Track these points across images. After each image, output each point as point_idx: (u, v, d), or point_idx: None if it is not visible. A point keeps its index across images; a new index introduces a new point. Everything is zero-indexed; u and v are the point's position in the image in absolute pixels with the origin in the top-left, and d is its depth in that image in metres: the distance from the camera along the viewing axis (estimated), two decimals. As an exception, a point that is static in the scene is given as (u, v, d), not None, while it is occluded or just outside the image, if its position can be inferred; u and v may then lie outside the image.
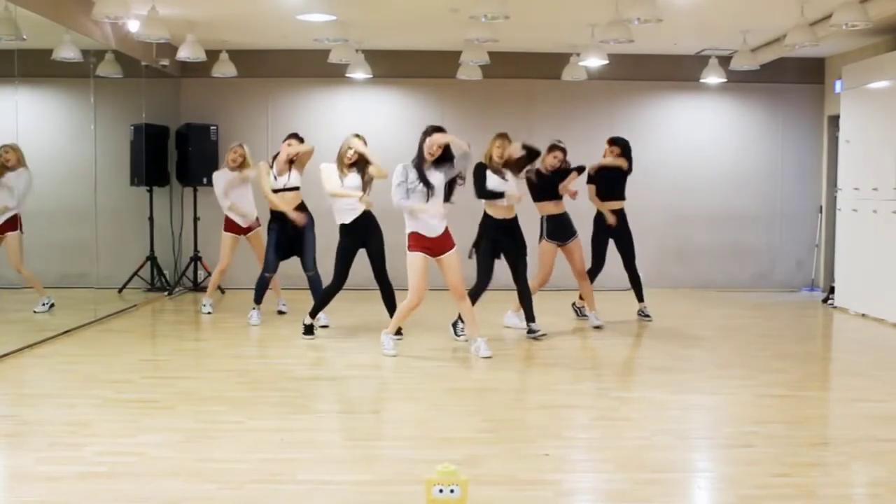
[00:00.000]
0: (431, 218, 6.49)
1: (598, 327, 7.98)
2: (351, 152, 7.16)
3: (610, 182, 8.29)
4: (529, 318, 7.39)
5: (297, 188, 7.80)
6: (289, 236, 7.81)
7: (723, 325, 8.44)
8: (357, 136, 7.24)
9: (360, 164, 7.16)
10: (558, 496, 3.87)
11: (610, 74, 10.28)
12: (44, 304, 8.13)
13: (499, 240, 7.25)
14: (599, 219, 8.36)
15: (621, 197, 8.34)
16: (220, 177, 8.51)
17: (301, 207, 7.83)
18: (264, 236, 8.14)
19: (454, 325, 7.31)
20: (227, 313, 8.74)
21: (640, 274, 8.49)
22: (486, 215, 7.33)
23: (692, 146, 10.86)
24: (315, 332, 7.43)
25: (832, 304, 9.56)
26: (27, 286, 8.12)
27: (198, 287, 10.31)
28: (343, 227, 7.21)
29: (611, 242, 8.37)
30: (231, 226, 8.54)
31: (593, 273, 8.27)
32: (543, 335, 7.35)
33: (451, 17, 8.15)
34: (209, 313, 8.63)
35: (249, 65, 10.23)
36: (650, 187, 10.22)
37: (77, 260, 8.78)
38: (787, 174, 10.92)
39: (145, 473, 4.04)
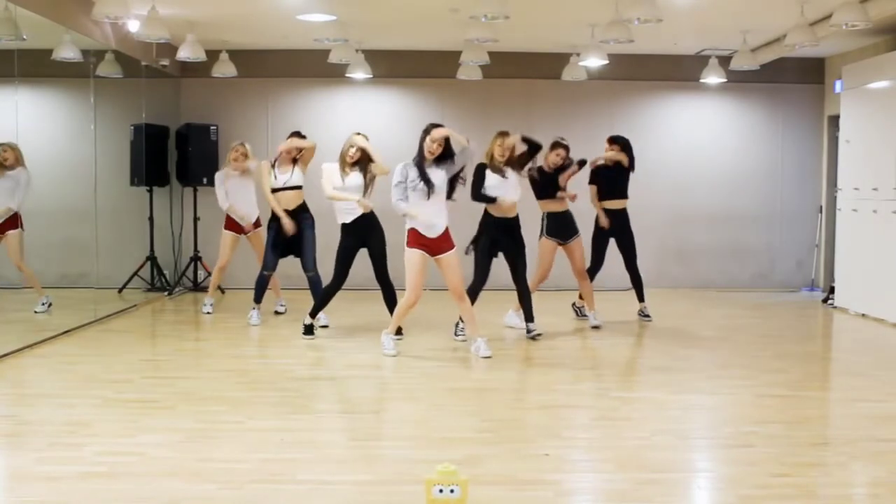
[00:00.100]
0: (431, 217, 6.49)
1: (596, 327, 7.98)
2: (353, 150, 7.16)
3: (611, 181, 8.29)
4: (528, 318, 7.39)
5: (298, 187, 7.78)
6: (288, 235, 7.81)
7: (723, 325, 8.44)
8: (359, 134, 7.26)
9: (363, 162, 7.17)
10: (558, 496, 3.87)
11: (610, 74, 10.28)
12: (43, 304, 8.13)
13: (498, 238, 7.24)
14: (603, 215, 8.36)
15: (623, 196, 8.33)
16: (221, 178, 8.52)
17: (302, 207, 7.83)
18: (265, 236, 8.13)
19: (457, 325, 7.30)
20: (227, 313, 8.74)
21: (641, 274, 8.49)
22: (486, 213, 7.33)
23: (692, 146, 10.86)
24: (315, 332, 7.43)
25: (832, 304, 9.56)
26: (27, 286, 8.12)
27: (198, 287, 10.31)
28: (344, 226, 7.22)
29: (612, 242, 8.37)
30: (232, 224, 8.54)
31: (592, 272, 8.27)
32: (539, 335, 7.35)
33: (451, 17, 8.15)
34: (208, 313, 8.62)
35: (249, 65, 10.24)
36: (650, 187, 10.22)
37: (77, 260, 8.78)
38: (787, 174, 10.92)
39: (145, 473, 4.04)
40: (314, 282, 7.75)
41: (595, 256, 8.32)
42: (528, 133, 7.43)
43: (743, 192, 10.91)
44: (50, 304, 8.17)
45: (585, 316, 8.25)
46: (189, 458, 4.28)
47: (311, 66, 10.23)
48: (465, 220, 7.34)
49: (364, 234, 7.19)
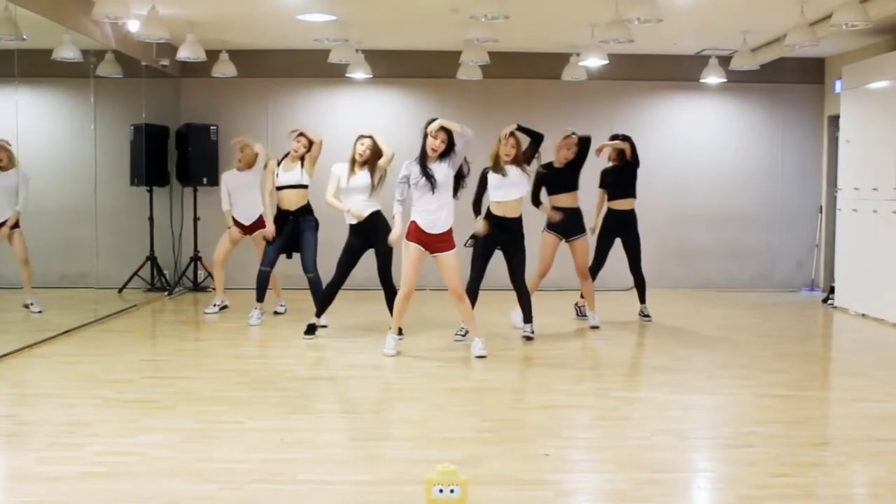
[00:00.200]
0: (433, 213, 6.48)
1: (595, 327, 7.98)
2: (362, 148, 7.16)
3: (618, 181, 8.31)
4: (526, 318, 7.38)
5: (302, 186, 7.77)
6: (289, 234, 7.82)
7: (723, 325, 8.44)
8: (365, 136, 7.26)
9: (371, 162, 7.16)
10: (558, 496, 3.87)
11: (610, 74, 10.29)
12: (31, 303, 8.12)
13: (498, 237, 7.23)
14: (609, 217, 8.37)
15: (631, 195, 8.34)
16: (224, 179, 8.53)
17: (305, 209, 7.82)
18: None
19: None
20: (227, 313, 8.72)
21: (644, 276, 8.50)
22: (488, 210, 7.31)
23: (692, 146, 10.86)
24: (316, 332, 7.43)
25: (832, 304, 9.56)
26: (23, 285, 8.11)
27: (198, 287, 10.31)
28: (350, 227, 7.25)
29: (617, 242, 8.38)
30: (236, 222, 8.54)
31: (593, 271, 8.27)
32: (530, 338, 7.30)
33: (451, 17, 8.15)
34: (207, 314, 8.61)
35: (249, 65, 10.24)
36: (650, 187, 10.19)
37: (77, 260, 8.78)
38: (787, 174, 10.92)
39: (145, 473, 4.04)
40: (314, 283, 7.75)
41: (597, 255, 8.32)
42: (529, 128, 7.38)
43: (743, 192, 10.91)
44: (33, 304, 8.14)
45: (585, 316, 8.25)
46: (189, 458, 4.27)
47: (311, 66, 10.23)
48: (465, 220, 7.32)
49: (370, 234, 7.19)
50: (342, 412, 5.51)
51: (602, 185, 8.40)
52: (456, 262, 6.63)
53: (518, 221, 7.24)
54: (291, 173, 7.75)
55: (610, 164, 8.44)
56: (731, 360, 6.85)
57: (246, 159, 8.43)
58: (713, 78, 9.96)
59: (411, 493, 3.72)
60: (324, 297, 7.40)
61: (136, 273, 9.83)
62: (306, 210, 7.84)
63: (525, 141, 7.29)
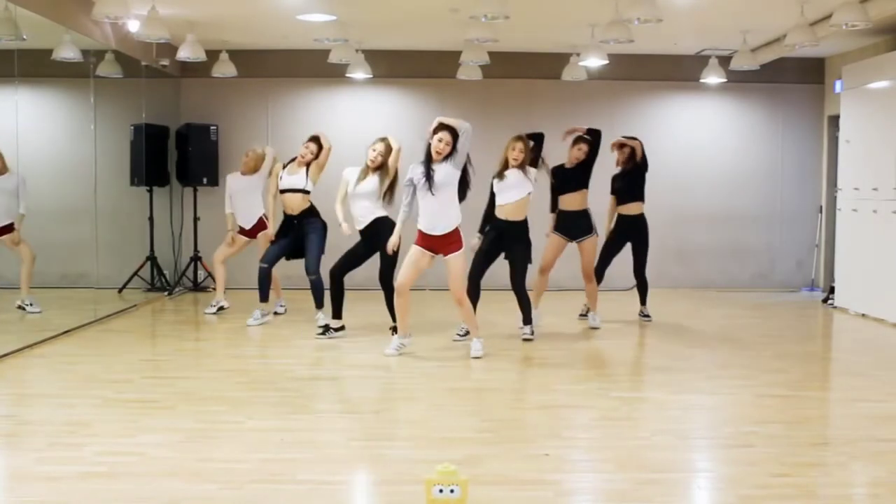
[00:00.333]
0: (433, 214, 6.47)
1: (594, 328, 7.98)
2: (373, 154, 7.15)
3: (629, 184, 8.32)
4: (525, 320, 7.36)
5: (303, 191, 7.76)
6: (294, 236, 7.81)
7: (723, 325, 8.44)
8: (382, 139, 7.25)
9: (383, 167, 7.15)
10: (558, 496, 3.87)
11: (610, 74, 10.29)
12: (29, 304, 8.11)
13: (499, 240, 7.23)
14: (619, 223, 8.37)
15: (638, 199, 8.35)
16: (228, 182, 8.56)
17: (308, 212, 7.81)
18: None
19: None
20: (227, 313, 8.72)
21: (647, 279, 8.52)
22: (493, 213, 7.31)
23: (692, 146, 10.86)
24: (332, 332, 7.40)
25: (832, 304, 9.56)
26: (22, 283, 8.11)
27: (198, 287, 10.31)
28: (359, 231, 7.25)
29: (627, 246, 8.40)
30: (242, 229, 8.55)
31: (598, 273, 8.24)
32: (529, 340, 7.30)
33: (451, 17, 8.15)
34: (207, 314, 8.61)
35: (249, 65, 10.23)
36: (650, 187, 10.06)
37: (77, 260, 8.78)
38: (787, 174, 10.92)
39: (145, 473, 4.04)
40: (316, 285, 7.73)
41: (602, 257, 8.30)
42: (528, 132, 7.38)
43: (743, 192, 10.91)
44: (31, 305, 8.14)
45: (585, 316, 8.25)
46: (189, 458, 4.27)
47: (311, 66, 10.23)
48: (466, 221, 7.31)
49: (374, 239, 7.16)
50: (342, 412, 5.50)
51: (612, 192, 8.41)
52: (461, 266, 6.62)
53: (520, 225, 7.21)
54: (294, 177, 7.76)
55: (618, 168, 8.44)
56: (731, 360, 6.85)
57: (250, 163, 8.44)
58: (713, 78, 9.96)
59: (411, 493, 3.72)
60: (322, 296, 7.40)
61: (136, 273, 9.83)
62: (310, 213, 7.83)
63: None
